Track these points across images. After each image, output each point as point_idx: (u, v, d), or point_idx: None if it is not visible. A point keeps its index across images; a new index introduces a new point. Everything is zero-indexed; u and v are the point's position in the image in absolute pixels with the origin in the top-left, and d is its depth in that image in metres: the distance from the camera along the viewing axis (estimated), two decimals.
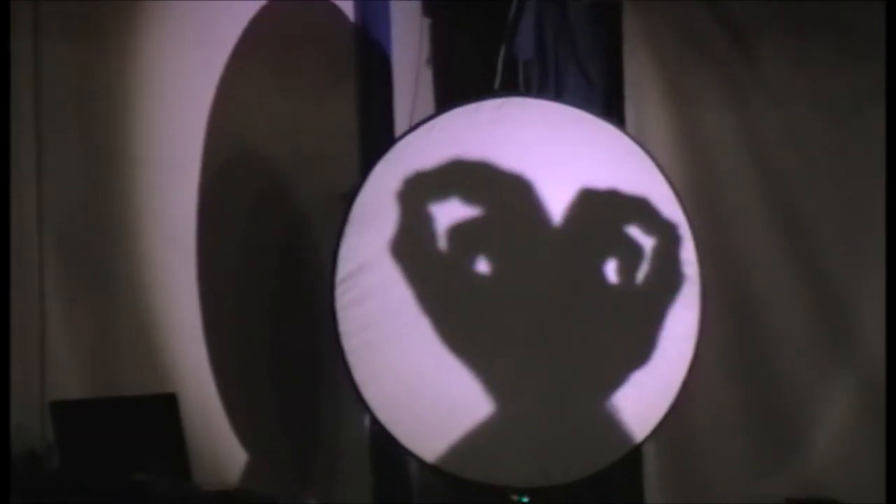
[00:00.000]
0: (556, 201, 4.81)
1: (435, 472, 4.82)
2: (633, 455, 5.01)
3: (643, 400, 4.81)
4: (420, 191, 4.69)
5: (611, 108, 5.40)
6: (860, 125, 5.36)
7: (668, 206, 4.84)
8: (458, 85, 5.40)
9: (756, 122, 5.50)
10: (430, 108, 5.44)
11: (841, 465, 5.34)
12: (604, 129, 4.93)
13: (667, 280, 4.82)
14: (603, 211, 4.82)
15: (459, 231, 4.70)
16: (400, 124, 5.40)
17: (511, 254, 4.79)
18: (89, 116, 4.72)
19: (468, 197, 4.71)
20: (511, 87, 5.23)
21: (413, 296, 4.69)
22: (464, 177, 4.74)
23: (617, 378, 4.77)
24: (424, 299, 4.69)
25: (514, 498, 4.79)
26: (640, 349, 4.79)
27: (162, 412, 4.60)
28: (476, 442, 4.73)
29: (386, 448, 5.11)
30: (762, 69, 5.50)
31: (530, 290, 4.81)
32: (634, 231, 4.79)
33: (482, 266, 4.75)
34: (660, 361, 4.81)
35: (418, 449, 4.77)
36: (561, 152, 4.85)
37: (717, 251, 5.27)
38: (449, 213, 4.72)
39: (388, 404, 4.71)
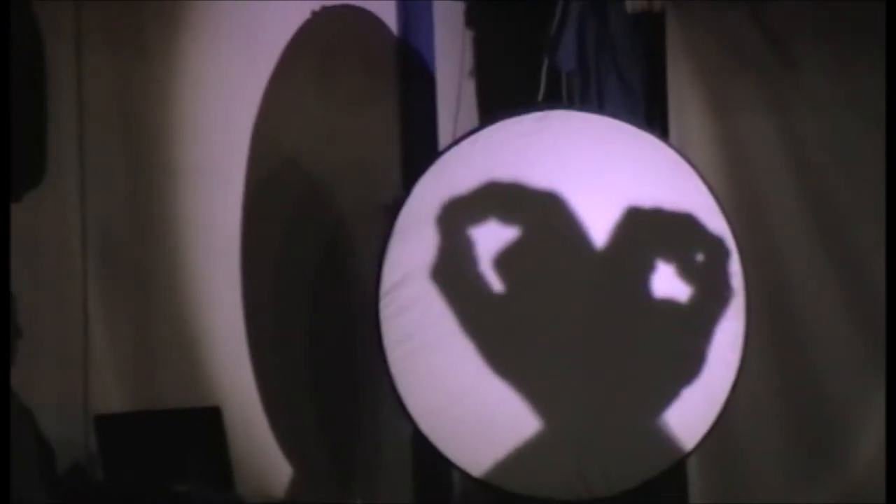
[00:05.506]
0: (598, 214, 4.78)
1: (478, 484, 4.81)
2: (677, 467, 4.99)
3: (688, 411, 4.79)
4: (458, 215, 4.69)
5: (653, 118, 5.37)
6: None
7: (713, 219, 4.82)
8: (501, 97, 5.40)
9: (798, 130, 5.46)
10: (474, 120, 5.44)
11: (884, 474, 5.30)
12: (646, 140, 4.90)
13: (715, 294, 4.79)
14: (647, 227, 4.79)
15: (500, 252, 4.70)
16: (443, 135, 5.40)
17: (551, 271, 4.78)
18: (132, 125, 4.70)
19: (506, 218, 4.70)
20: (554, 99, 5.23)
21: (454, 316, 4.68)
22: (500, 198, 4.73)
23: (666, 393, 4.76)
24: (465, 320, 4.68)
25: None
26: (689, 364, 4.77)
27: (206, 425, 4.61)
28: (518, 453, 4.72)
29: (427, 458, 5.10)
30: (804, 76, 5.46)
31: (572, 307, 4.80)
32: (680, 247, 4.77)
33: (522, 285, 4.74)
34: (704, 372, 4.79)
35: (460, 460, 4.76)
36: (603, 164, 4.83)
37: (761, 261, 5.23)
38: (488, 235, 4.71)
39: (430, 414, 4.71)
